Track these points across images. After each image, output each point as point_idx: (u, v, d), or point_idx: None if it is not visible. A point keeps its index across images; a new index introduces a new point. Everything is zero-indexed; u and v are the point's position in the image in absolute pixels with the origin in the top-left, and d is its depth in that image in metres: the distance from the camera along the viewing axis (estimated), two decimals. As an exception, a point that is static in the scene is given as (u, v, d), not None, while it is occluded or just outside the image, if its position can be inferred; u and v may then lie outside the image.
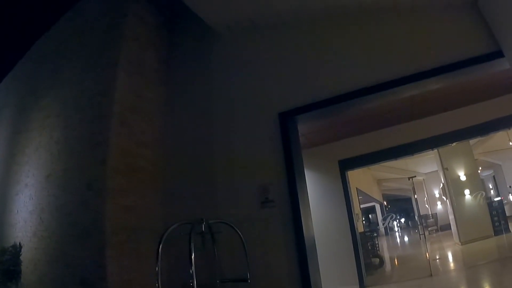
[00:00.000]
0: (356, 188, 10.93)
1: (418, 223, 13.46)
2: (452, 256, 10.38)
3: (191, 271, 2.78)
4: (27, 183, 5.14)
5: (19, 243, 5.01)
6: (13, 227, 5.32)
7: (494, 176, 20.29)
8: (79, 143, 4.20)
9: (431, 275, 7.46)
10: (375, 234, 11.78)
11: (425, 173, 18.10)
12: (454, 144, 8.71)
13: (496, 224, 11.19)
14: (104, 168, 3.70)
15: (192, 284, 2.77)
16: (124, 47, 4.17)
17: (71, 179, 4.17)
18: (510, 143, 12.80)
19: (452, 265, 9.23)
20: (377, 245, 10.90)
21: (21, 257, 4.91)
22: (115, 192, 3.67)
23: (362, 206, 15.66)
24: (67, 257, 3.98)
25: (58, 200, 4.33)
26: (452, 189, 11.54)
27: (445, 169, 11.61)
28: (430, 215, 20.01)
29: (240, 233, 3.31)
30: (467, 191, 11.30)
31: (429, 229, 17.89)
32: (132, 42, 4.27)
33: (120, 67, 4.04)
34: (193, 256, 2.81)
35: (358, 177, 11.55)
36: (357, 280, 7.19)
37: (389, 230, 23.44)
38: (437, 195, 19.31)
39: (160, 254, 2.92)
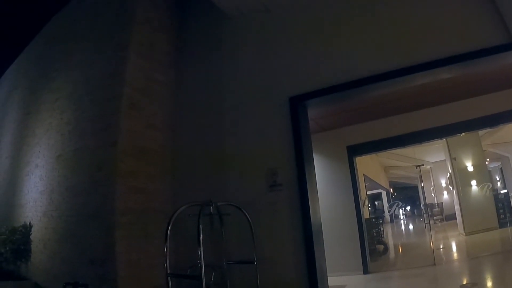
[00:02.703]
0: (364, 174, 10.91)
1: (424, 212, 13.46)
2: (456, 246, 10.38)
3: (199, 252, 2.82)
4: (38, 163, 5.20)
5: (29, 223, 5.10)
6: (24, 207, 5.40)
7: (501, 168, 20.11)
8: (90, 124, 4.24)
9: (435, 264, 7.47)
10: (381, 221, 11.79)
11: (433, 162, 17.98)
12: (463, 134, 8.65)
13: (502, 216, 11.10)
14: (114, 150, 3.74)
15: (200, 265, 2.80)
16: (135, 30, 4.18)
17: (81, 160, 4.22)
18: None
19: (455, 255, 9.24)
20: (382, 232, 10.92)
21: (31, 237, 5.01)
22: (125, 174, 3.72)
23: (368, 192, 15.67)
24: (77, 237, 4.06)
25: (68, 180, 4.39)
26: (459, 179, 11.47)
27: (452, 159, 11.54)
28: (436, 204, 19.95)
29: (247, 216, 3.36)
30: (474, 182, 11.23)
31: (434, 218, 17.83)
32: (143, 24, 4.27)
33: (130, 49, 4.04)
34: (201, 237, 2.85)
35: (365, 164, 11.52)
36: (361, 266, 7.23)
37: (395, 218, 23.53)
38: (443, 185, 19.22)
39: (169, 235, 2.97)
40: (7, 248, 5.01)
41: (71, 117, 4.63)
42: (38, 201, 5.00)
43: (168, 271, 2.99)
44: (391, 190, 23.77)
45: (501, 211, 11.27)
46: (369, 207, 13.31)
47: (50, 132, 5.05)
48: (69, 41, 5.28)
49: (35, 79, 6.13)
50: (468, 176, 11.36)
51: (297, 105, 3.82)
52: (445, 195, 19.44)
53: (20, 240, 5.05)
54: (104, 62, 4.33)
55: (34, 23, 6.38)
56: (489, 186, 11.32)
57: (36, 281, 4.70)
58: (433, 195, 20.81)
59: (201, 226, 2.88)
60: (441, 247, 10.12)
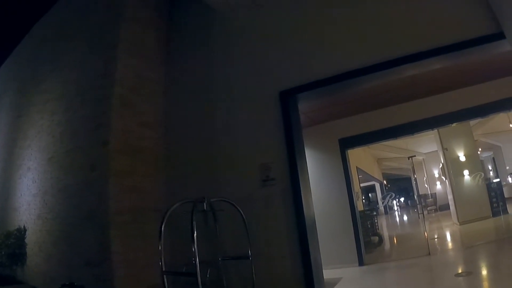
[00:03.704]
0: (356, 167, 10.92)
1: (417, 203, 13.56)
2: (450, 236, 10.45)
3: (193, 249, 2.83)
4: (30, 166, 5.18)
5: (24, 226, 5.08)
6: (17, 211, 5.38)
7: (493, 158, 20.33)
8: (81, 125, 4.23)
9: (429, 254, 7.52)
10: (375, 213, 11.83)
11: (425, 153, 18.12)
12: (454, 124, 8.70)
13: (494, 205, 11.16)
14: (107, 149, 3.74)
15: (195, 262, 2.82)
16: (124, 28, 4.17)
17: (74, 161, 4.21)
18: (510, 125, 12.80)
19: (450, 244, 9.32)
20: (376, 224, 10.95)
21: (26, 240, 4.99)
22: (118, 173, 3.72)
23: (362, 185, 15.72)
24: (72, 238, 4.05)
25: (61, 182, 4.38)
26: (452, 169, 11.54)
27: (444, 149, 11.60)
28: (429, 194, 20.09)
29: (241, 211, 3.38)
30: (466, 172, 11.31)
31: (428, 208, 17.96)
32: (132, 22, 4.26)
33: (120, 48, 4.05)
34: (195, 234, 2.86)
35: (358, 156, 11.54)
36: (357, 258, 7.27)
37: (389, 209, 23.67)
38: (436, 175, 19.36)
39: (162, 233, 2.98)
40: (3, 253, 4.99)
41: (62, 118, 4.62)
42: (31, 204, 4.98)
43: (164, 269, 3.00)
44: (385, 182, 23.89)
45: (494, 200, 11.35)
46: (363, 199, 13.36)
47: (42, 134, 5.03)
48: (59, 42, 5.25)
49: (25, 81, 6.09)
50: (460, 166, 11.44)
51: (288, 99, 3.84)
52: (438, 186, 19.58)
53: (15, 244, 5.03)
54: (94, 61, 4.31)
55: (21, 25, 6.32)
56: (481, 175, 11.41)
57: (33, 285, 4.69)
58: (426, 186, 20.94)
59: (194, 223, 2.89)
60: (436, 237, 10.20)
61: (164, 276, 3.01)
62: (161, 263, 2.99)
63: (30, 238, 4.94)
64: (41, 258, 4.65)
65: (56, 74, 5.07)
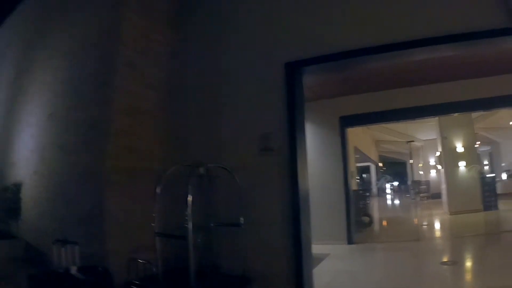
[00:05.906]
0: (354, 146, 10.98)
1: (411, 188, 13.64)
2: (440, 224, 10.63)
3: (186, 213, 2.86)
4: (29, 121, 5.16)
5: (20, 181, 5.09)
6: (15, 166, 5.39)
7: (491, 153, 20.42)
8: (84, 83, 4.19)
9: (418, 239, 7.67)
10: (368, 194, 11.93)
11: (424, 140, 18.16)
12: (456, 114, 8.70)
13: (487, 199, 11.33)
14: (108, 109, 3.74)
15: (187, 226, 2.85)
16: (132, -13, 4.09)
17: (74, 119, 4.19)
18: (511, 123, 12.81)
19: (438, 233, 9.49)
20: (368, 205, 11.11)
21: (22, 195, 5.01)
22: (118, 133, 3.72)
23: (357, 164, 15.81)
24: (67, 195, 4.08)
25: (60, 139, 4.38)
26: (448, 159, 11.62)
27: (443, 138, 11.65)
28: (423, 181, 20.27)
29: (237, 179, 3.41)
30: (462, 163, 11.39)
31: (420, 195, 18.14)
32: (140, -19, 4.18)
33: (127, 7, 3.97)
34: (190, 199, 2.89)
35: (357, 136, 11.60)
36: (346, 236, 7.39)
37: (382, 192, 23.96)
38: (432, 163, 19.47)
39: (157, 195, 3.01)
40: (-1, 207, 5.03)
41: (65, 75, 4.57)
42: (29, 159, 4.99)
43: (156, 231, 3.04)
44: (381, 164, 24.05)
45: (487, 194, 11.45)
46: (357, 179, 13.46)
47: (43, 91, 5.00)
48: (64, -2, 5.16)
49: (29, 37, 6.01)
50: (457, 157, 11.50)
51: (293, 71, 3.79)
52: (433, 174, 19.68)
53: (11, 198, 5.06)
54: (100, 20, 4.24)
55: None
56: (476, 168, 11.49)
57: (27, 240, 4.74)
58: (421, 173, 21.09)
59: (190, 187, 2.91)
60: (425, 224, 10.36)
61: (156, 237, 3.05)
62: (155, 224, 3.03)
63: (26, 193, 4.96)
64: (35, 213, 4.68)
65: (61, 31, 4.99)
